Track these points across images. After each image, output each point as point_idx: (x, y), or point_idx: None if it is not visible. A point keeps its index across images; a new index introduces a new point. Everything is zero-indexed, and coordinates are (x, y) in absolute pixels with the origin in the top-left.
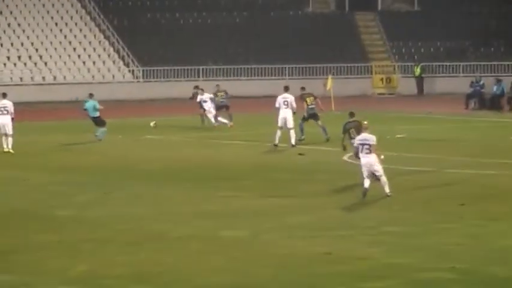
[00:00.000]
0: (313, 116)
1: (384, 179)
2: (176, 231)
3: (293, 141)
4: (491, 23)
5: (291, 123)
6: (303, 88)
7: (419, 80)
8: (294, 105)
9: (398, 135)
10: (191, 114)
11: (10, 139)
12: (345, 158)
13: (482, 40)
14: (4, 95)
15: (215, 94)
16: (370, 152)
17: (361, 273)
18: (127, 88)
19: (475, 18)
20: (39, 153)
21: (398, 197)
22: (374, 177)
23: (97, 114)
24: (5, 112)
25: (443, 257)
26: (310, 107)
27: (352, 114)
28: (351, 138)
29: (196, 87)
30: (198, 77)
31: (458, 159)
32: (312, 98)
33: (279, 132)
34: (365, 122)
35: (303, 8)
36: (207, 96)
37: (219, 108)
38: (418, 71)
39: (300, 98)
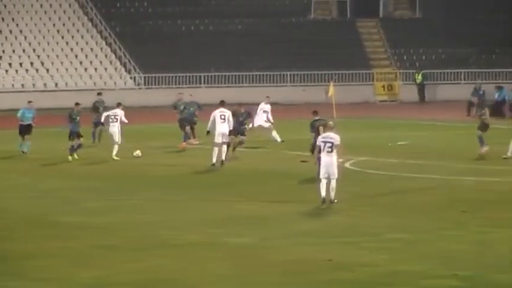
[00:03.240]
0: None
1: (334, 183)
2: (183, 238)
3: (224, 157)
4: (493, 29)
5: (227, 138)
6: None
7: (421, 87)
8: (231, 120)
9: (400, 142)
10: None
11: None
12: (347, 165)
13: (485, 47)
14: (118, 105)
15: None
16: (332, 151)
17: (364, 280)
18: (129, 95)
19: (478, 25)
20: (48, 159)
21: (402, 204)
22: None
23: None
24: (115, 120)
25: (446, 264)
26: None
27: (316, 113)
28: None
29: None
30: (200, 83)
31: (461, 166)
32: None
33: (216, 150)
34: (330, 122)
35: (305, 14)
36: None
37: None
38: (419, 78)
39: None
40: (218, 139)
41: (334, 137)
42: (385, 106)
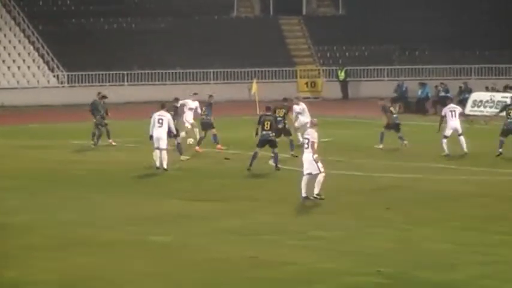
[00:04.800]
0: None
1: (320, 178)
2: (104, 236)
3: (165, 165)
4: (416, 27)
5: (164, 144)
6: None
7: (344, 84)
8: (172, 125)
9: (324, 139)
10: (115, 118)
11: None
12: (270, 162)
13: (407, 44)
14: (195, 94)
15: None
16: (308, 148)
17: (287, 277)
18: (52, 93)
19: (400, 22)
20: None
21: (326, 202)
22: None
23: None
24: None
25: (369, 261)
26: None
27: (268, 109)
28: (264, 130)
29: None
30: (123, 81)
31: (384, 163)
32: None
33: (157, 152)
34: (314, 119)
35: (228, 12)
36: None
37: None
38: (342, 75)
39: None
40: (156, 144)
41: (311, 133)
42: (308, 103)
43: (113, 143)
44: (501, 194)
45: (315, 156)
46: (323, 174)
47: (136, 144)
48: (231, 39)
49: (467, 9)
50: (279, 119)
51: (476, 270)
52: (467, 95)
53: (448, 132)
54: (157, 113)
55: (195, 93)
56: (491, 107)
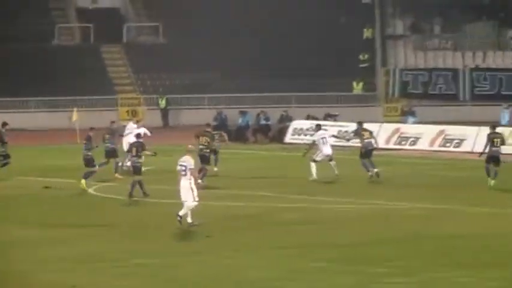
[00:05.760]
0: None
1: (193, 206)
2: None
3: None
4: (237, 55)
5: None
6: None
7: (165, 112)
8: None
9: (147, 168)
10: None
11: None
12: (91, 190)
13: (228, 72)
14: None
15: None
16: (186, 175)
17: None
18: None
19: (221, 50)
20: None
21: (144, 228)
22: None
23: None
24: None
25: None
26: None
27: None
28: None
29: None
30: None
31: (206, 191)
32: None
33: None
34: (189, 146)
35: (48, 40)
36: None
37: None
38: (163, 103)
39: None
40: None
41: (187, 160)
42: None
43: None
44: (322, 221)
45: (199, 181)
46: (196, 203)
47: None
48: (52, 67)
49: (286, 39)
50: (201, 147)
51: None
52: (287, 123)
53: (320, 157)
54: None
55: (138, 120)
56: (312, 135)
